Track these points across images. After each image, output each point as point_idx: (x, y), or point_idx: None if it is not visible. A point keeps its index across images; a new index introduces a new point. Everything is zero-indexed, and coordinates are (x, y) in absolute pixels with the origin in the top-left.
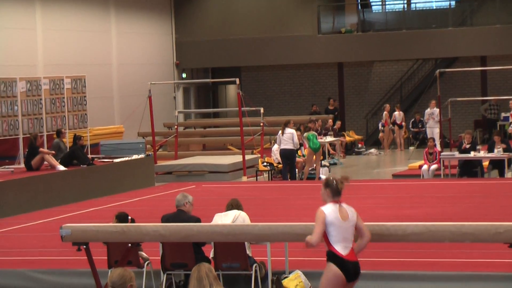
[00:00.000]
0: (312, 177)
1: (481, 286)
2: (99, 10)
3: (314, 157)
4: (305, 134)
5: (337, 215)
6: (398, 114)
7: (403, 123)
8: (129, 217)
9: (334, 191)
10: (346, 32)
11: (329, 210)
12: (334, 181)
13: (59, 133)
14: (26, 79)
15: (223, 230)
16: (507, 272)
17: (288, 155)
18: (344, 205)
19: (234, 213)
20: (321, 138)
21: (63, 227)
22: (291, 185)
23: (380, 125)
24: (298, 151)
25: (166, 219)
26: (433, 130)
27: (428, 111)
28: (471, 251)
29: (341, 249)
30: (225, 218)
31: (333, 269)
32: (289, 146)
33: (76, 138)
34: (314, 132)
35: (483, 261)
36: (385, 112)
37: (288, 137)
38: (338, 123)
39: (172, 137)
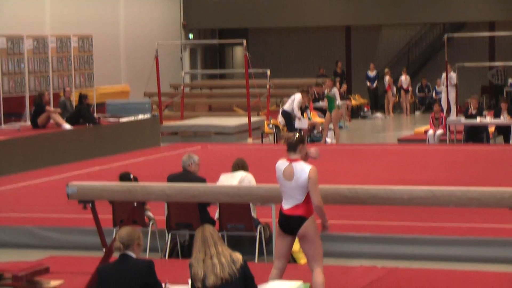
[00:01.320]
0: (319, 139)
1: (485, 251)
2: None
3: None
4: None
5: (280, 173)
6: (404, 79)
7: (410, 88)
8: (132, 176)
9: (287, 148)
10: None
11: (278, 165)
12: (288, 137)
13: (65, 92)
14: (33, 37)
15: (229, 191)
16: (511, 237)
17: (283, 115)
18: (297, 164)
19: (241, 174)
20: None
21: (69, 185)
22: None
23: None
24: (304, 114)
25: (172, 178)
26: (450, 95)
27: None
28: (476, 216)
29: (284, 203)
30: (232, 179)
31: (277, 222)
32: (285, 107)
33: (82, 97)
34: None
35: (488, 226)
36: (387, 77)
37: (291, 99)
38: (344, 86)
39: (178, 98)
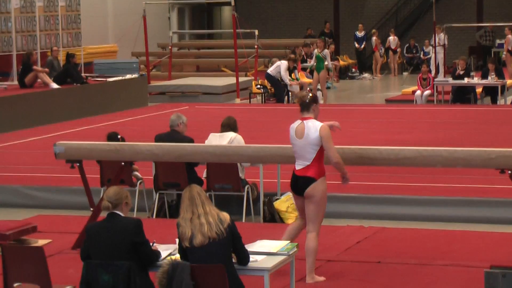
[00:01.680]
0: None
1: (472, 211)
2: None
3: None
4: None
5: (293, 132)
6: (392, 39)
7: (398, 49)
8: (119, 136)
9: (300, 107)
10: None
11: (291, 126)
12: (301, 97)
13: (52, 51)
14: None
15: (216, 150)
16: (497, 198)
17: (267, 78)
18: (309, 122)
19: (230, 135)
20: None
21: (57, 144)
22: (284, 108)
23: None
24: (292, 75)
25: (159, 138)
26: (438, 56)
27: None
28: (463, 176)
29: (296, 165)
30: (221, 140)
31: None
32: (270, 71)
33: (69, 56)
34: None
35: (474, 186)
36: (374, 38)
37: (276, 64)
38: (332, 47)
39: (166, 58)
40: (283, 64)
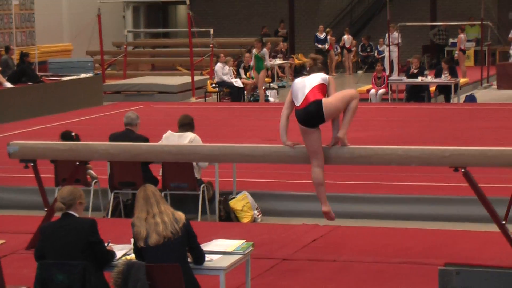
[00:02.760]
0: (256, 99)
1: (426, 208)
2: None
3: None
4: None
5: (295, 83)
6: (347, 38)
7: (353, 48)
8: (73, 134)
9: (309, 68)
10: None
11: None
12: (315, 58)
13: (8, 50)
14: None
15: (172, 150)
16: (451, 195)
17: (219, 85)
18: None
19: (189, 136)
20: (270, 61)
21: (10, 143)
22: (239, 107)
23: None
24: (247, 73)
25: (114, 137)
26: (392, 54)
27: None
28: (417, 174)
29: (297, 102)
30: (180, 140)
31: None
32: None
33: (23, 55)
34: (259, 52)
35: (429, 184)
36: (328, 37)
37: (216, 71)
38: (285, 44)
39: (121, 57)
40: (217, 66)
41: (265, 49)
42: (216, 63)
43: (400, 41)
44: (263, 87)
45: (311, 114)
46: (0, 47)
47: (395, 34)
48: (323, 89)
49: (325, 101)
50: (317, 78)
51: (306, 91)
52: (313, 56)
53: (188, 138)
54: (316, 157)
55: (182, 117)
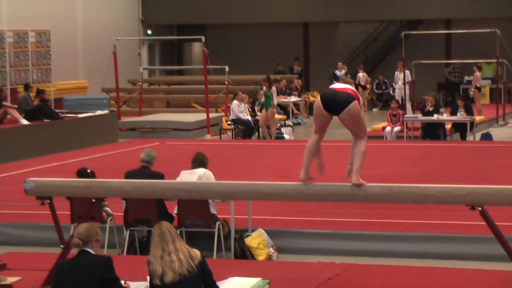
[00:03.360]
0: (277, 136)
1: (442, 247)
2: None
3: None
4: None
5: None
6: (362, 75)
7: (368, 85)
8: (89, 171)
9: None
10: None
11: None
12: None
13: (27, 87)
14: None
15: (187, 187)
16: (467, 234)
17: (235, 122)
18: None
19: (199, 172)
20: (285, 98)
21: (26, 180)
22: (254, 144)
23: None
24: (262, 111)
25: (130, 175)
26: (402, 92)
27: (400, 74)
28: (433, 212)
29: (333, 85)
30: (191, 176)
31: (319, 99)
32: (233, 118)
33: (39, 92)
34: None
35: (445, 222)
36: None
37: (232, 108)
38: (299, 81)
39: (136, 94)
40: (233, 103)
41: (273, 88)
42: (232, 100)
43: (410, 79)
44: (278, 124)
45: (338, 99)
46: (17, 84)
47: (407, 72)
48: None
49: (355, 103)
50: (348, 94)
51: (343, 86)
52: (344, 79)
53: (198, 174)
54: (359, 132)
55: (194, 155)
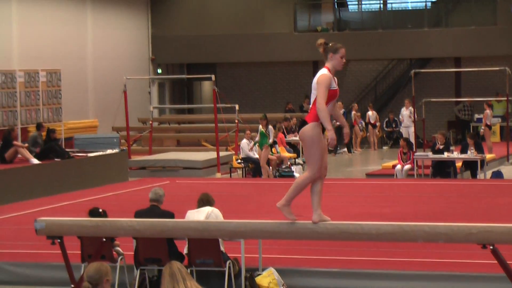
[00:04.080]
0: (288, 174)
1: (453, 286)
2: (75, 3)
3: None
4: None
5: None
6: (371, 114)
7: (377, 123)
8: (101, 210)
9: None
10: (322, 31)
11: None
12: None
13: (39, 127)
14: (1, 71)
15: (198, 226)
16: (479, 273)
17: (245, 161)
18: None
19: (207, 210)
20: (295, 136)
21: (37, 220)
22: (265, 182)
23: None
24: (273, 149)
25: (139, 215)
26: (409, 130)
27: (405, 111)
28: (444, 251)
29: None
30: (198, 215)
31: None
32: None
33: (50, 132)
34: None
35: (456, 261)
36: (353, 112)
37: (242, 147)
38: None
39: (147, 132)
40: (243, 142)
41: (270, 127)
42: (242, 139)
43: (416, 117)
44: (288, 163)
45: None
46: (27, 123)
47: (411, 108)
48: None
49: (303, 129)
50: (314, 79)
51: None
52: (320, 42)
53: (206, 212)
54: (307, 163)
55: (200, 195)
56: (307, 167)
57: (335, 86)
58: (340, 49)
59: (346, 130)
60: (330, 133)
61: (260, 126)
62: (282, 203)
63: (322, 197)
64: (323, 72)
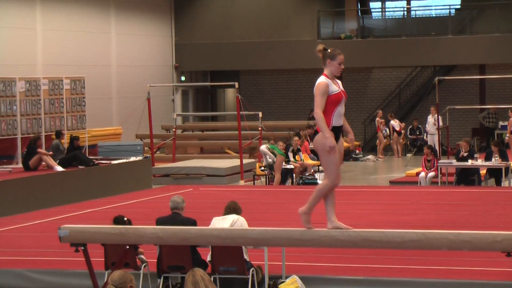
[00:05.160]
0: (311, 182)
1: None
2: (99, 11)
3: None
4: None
5: None
6: (394, 123)
7: (402, 130)
8: (125, 219)
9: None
10: (345, 38)
11: None
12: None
13: (59, 134)
14: (26, 79)
15: (221, 233)
16: (504, 281)
17: (269, 168)
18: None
19: (233, 217)
20: None
21: (61, 227)
22: (288, 190)
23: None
24: (296, 156)
25: (161, 222)
26: (434, 137)
27: (430, 118)
28: (468, 259)
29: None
30: (223, 222)
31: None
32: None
33: (73, 139)
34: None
35: (480, 269)
36: (377, 119)
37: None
38: None
39: (170, 140)
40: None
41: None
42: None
43: (441, 124)
44: (312, 170)
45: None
46: (51, 131)
47: (435, 117)
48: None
49: (315, 138)
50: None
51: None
52: (319, 48)
53: (231, 219)
54: (324, 171)
55: (228, 204)
56: (325, 174)
57: (336, 89)
58: (338, 55)
59: (350, 136)
60: (329, 141)
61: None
62: (304, 210)
63: (335, 205)
64: (319, 80)
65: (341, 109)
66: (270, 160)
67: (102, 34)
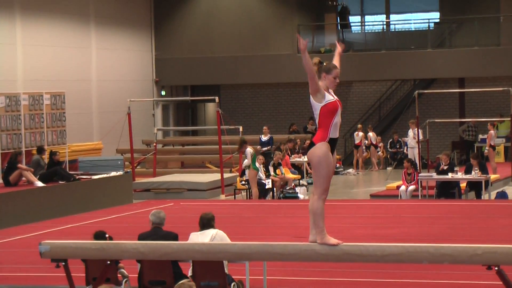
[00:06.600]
0: (292, 196)
1: None
2: (79, 26)
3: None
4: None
5: None
6: (372, 135)
7: (380, 144)
8: (107, 235)
9: None
10: (325, 52)
11: None
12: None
13: (41, 150)
14: (6, 95)
15: (202, 248)
16: None
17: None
18: None
19: (211, 232)
20: (299, 157)
21: (42, 243)
22: (269, 204)
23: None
24: (277, 170)
25: (143, 237)
26: (414, 151)
27: (411, 132)
28: (449, 272)
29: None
30: (202, 237)
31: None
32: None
33: (52, 154)
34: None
35: (461, 282)
36: (356, 132)
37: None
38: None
39: (151, 155)
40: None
41: (248, 148)
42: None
43: (422, 137)
44: (292, 184)
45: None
46: (32, 146)
47: (415, 130)
48: (322, 118)
49: (311, 151)
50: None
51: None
52: (315, 61)
53: (210, 234)
54: (315, 184)
55: (202, 216)
56: (314, 188)
57: (332, 98)
58: (333, 69)
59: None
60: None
61: (251, 150)
62: (319, 236)
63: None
64: (320, 105)
65: (338, 120)
66: (247, 164)
67: (83, 49)
